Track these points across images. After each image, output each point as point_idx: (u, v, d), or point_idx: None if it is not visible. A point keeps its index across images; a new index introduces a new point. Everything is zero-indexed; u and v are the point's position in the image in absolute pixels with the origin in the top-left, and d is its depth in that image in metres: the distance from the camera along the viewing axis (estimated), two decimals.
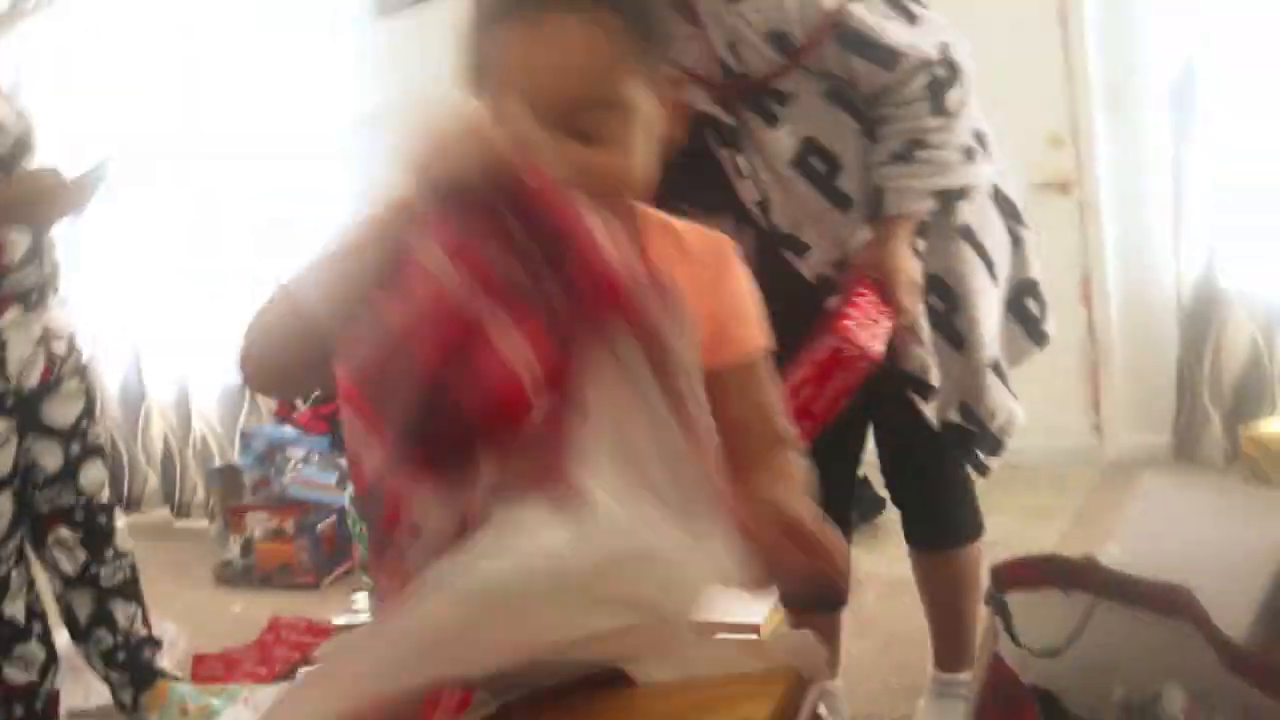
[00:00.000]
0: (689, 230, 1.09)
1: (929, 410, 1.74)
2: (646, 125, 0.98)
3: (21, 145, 2.18)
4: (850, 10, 1.60)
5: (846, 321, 1.58)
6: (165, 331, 4.10)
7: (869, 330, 1.59)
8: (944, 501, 1.89)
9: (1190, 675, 1.14)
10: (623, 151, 0.97)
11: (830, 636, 1.96)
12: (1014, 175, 1.83)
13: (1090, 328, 3.50)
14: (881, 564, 2.75)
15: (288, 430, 3.64)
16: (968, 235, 1.74)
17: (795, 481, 1.10)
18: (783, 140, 1.66)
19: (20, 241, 2.17)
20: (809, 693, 0.79)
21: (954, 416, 1.77)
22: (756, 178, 1.68)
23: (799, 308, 1.69)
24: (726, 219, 1.80)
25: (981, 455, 1.83)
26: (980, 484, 1.94)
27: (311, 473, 3.42)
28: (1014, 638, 1.16)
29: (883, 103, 1.64)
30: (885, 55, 1.60)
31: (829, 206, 1.68)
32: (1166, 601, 1.16)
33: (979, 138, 1.71)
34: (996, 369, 1.78)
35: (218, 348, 3.98)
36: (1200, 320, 3.25)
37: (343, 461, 3.26)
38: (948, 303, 1.73)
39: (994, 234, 1.78)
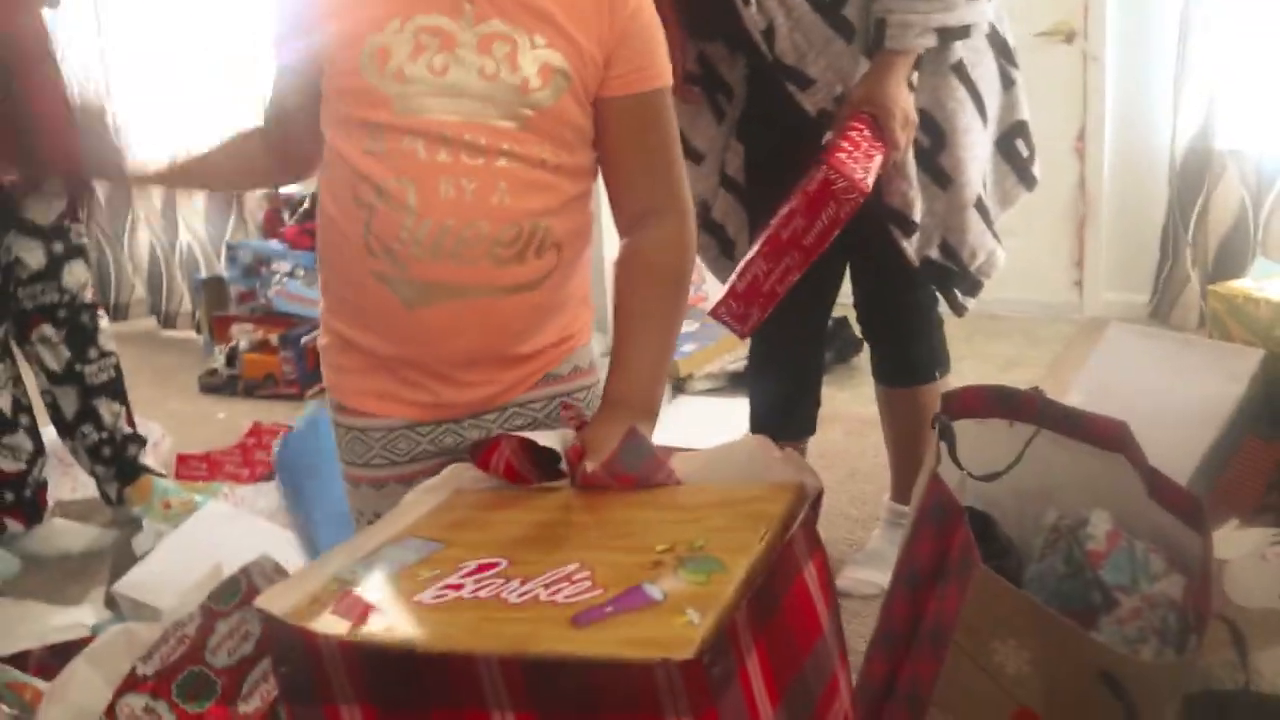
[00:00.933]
0: None
1: (909, 246, 1.75)
2: None
3: None
4: None
5: (839, 154, 1.57)
6: (151, 138, 4.02)
7: (861, 163, 1.58)
8: (912, 339, 1.92)
9: (1118, 504, 1.20)
10: None
11: None
12: (1010, 18, 1.79)
13: (1081, 182, 3.48)
14: (853, 402, 2.82)
15: (273, 244, 3.64)
16: (959, 72, 1.71)
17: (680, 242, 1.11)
18: None
19: None
20: (808, 501, 0.90)
21: (935, 254, 1.78)
22: (761, 3, 1.64)
23: (796, 141, 1.68)
24: (719, 45, 1.77)
25: (960, 295, 1.84)
26: (957, 330, 1.96)
27: (297, 287, 3.44)
28: (956, 461, 1.21)
29: None
30: None
31: (833, 35, 1.64)
32: (1104, 435, 1.21)
33: None
34: (980, 208, 1.77)
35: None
36: (1192, 181, 3.23)
37: None
38: (935, 139, 1.72)
39: (987, 73, 1.75)
